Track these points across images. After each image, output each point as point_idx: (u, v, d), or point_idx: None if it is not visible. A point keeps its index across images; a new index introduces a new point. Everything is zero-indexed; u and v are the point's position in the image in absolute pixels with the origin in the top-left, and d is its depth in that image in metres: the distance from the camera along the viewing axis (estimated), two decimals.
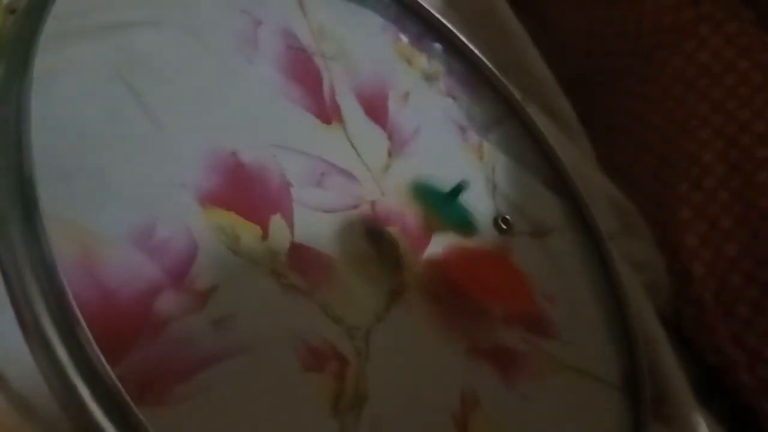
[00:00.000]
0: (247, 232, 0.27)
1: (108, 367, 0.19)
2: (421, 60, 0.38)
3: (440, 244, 0.32)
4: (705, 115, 0.46)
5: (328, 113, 0.32)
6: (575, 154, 0.44)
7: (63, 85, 0.25)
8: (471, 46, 0.40)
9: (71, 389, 0.19)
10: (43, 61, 0.24)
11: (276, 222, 0.28)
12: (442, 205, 0.32)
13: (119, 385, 0.19)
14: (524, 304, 0.34)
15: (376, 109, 0.34)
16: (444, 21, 0.39)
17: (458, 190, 0.32)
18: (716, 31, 0.46)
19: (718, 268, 0.44)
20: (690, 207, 0.45)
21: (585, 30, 0.51)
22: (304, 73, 0.32)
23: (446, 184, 0.32)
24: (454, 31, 0.39)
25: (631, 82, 0.50)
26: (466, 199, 0.33)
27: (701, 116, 0.46)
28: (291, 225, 0.28)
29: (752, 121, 0.45)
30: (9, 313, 0.20)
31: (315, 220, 0.29)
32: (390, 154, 0.33)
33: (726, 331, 0.43)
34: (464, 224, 0.33)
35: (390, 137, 0.34)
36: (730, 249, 0.44)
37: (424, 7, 0.39)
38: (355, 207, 0.31)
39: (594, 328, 0.37)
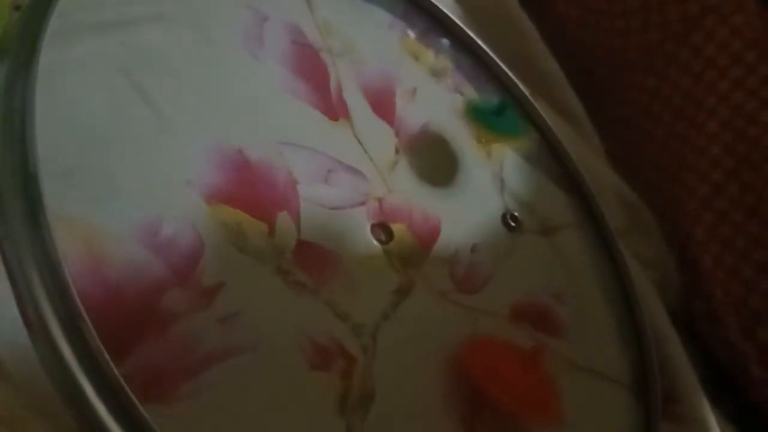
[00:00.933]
0: (254, 230, 0.27)
1: (113, 365, 0.19)
2: (429, 56, 0.38)
3: (448, 245, 0.32)
4: (712, 107, 0.46)
5: (334, 110, 0.32)
6: (584, 150, 0.44)
7: (68, 82, 0.24)
8: (479, 42, 0.40)
9: (75, 387, 0.19)
10: (47, 58, 0.23)
11: (282, 219, 0.27)
12: (493, 120, 0.38)
13: (124, 383, 0.19)
14: (553, 419, 0.31)
15: (383, 105, 0.34)
16: (452, 16, 0.39)
17: (504, 106, 0.38)
18: (722, 24, 0.46)
19: (727, 261, 0.43)
20: (698, 200, 0.45)
21: (591, 25, 0.50)
22: (311, 70, 0.32)
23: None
24: (462, 26, 0.39)
25: (638, 76, 0.49)
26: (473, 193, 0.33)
27: (709, 109, 0.46)
28: (297, 222, 0.28)
29: (760, 113, 0.44)
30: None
31: (322, 217, 0.29)
32: (397, 151, 0.33)
33: (736, 325, 0.42)
34: (513, 133, 0.38)
35: (397, 133, 0.34)
36: (739, 242, 0.43)
37: (431, 2, 0.38)
38: (363, 204, 0.30)
39: (603, 327, 0.37)
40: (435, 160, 0.34)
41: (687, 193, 0.45)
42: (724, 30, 0.46)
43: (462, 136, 0.37)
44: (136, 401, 0.19)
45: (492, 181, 0.36)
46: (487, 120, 0.38)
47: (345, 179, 0.30)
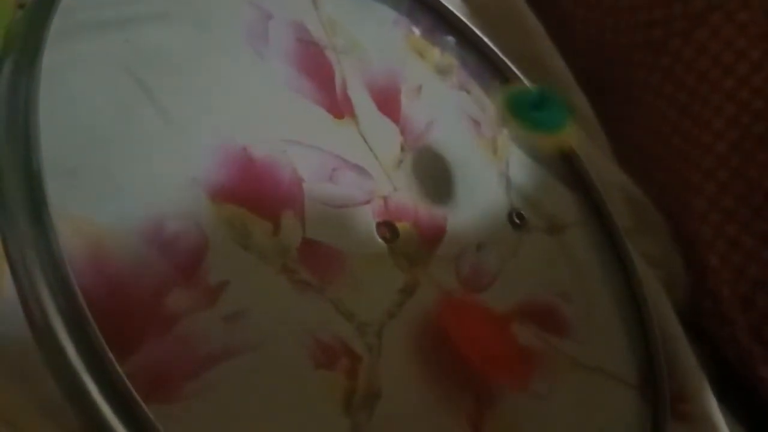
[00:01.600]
0: (258, 228, 0.26)
1: (116, 364, 0.19)
2: (434, 53, 0.38)
3: (453, 244, 0.32)
4: (718, 105, 0.45)
5: (339, 108, 0.32)
6: (590, 148, 0.44)
7: (71, 80, 0.24)
8: (485, 39, 0.39)
9: (79, 386, 0.19)
10: (51, 56, 0.23)
11: (287, 217, 0.27)
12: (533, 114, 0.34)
13: (128, 382, 0.19)
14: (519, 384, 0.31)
15: (388, 103, 0.34)
16: (457, 13, 0.39)
17: (544, 96, 0.34)
18: (728, 21, 0.46)
19: (734, 260, 0.43)
20: (704, 198, 0.44)
21: (596, 22, 0.50)
22: (316, 67, 0.32)
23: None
24: (468, 23, 0.39)
25: (643, 74, 0.49)
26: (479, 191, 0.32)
27: (714, 107, 0.45)
28: (302, 220, 0.28)
29: (765, 111, 0.44)
30: None
31: (327, 215, 0.29)
32: (403, 149, 0.33)
33: (744, 324, 0.42)
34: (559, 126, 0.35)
35: (403, 131, 0.34)
36: (746, 240, 0.43)
37: None
38: (368, 202, 0.30)
39: (610, 326, 0.36)
40: (435, 180, 0.33)
41: (693, 192, 0.45)
42: (729, 27, 0.46)
43: (465, 136, 0.36)
44: (140, 400, 0.19)
45: (498, 179, 0.36)
46: (526, 115, 0.34)
47: (350, 177, 0.30)
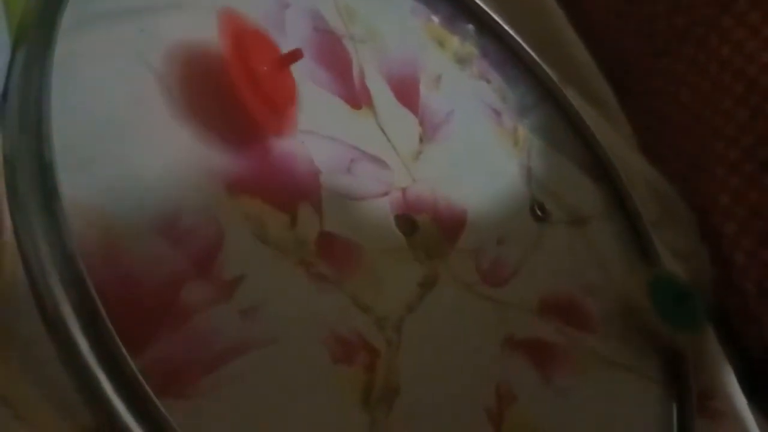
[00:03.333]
0: (275, 220, 0.26)
1: (129, 359, 0.19)
2: (454, 42, 0.37)
3: (474, 236, 0.31)
4: (741, 95, 0.44)
5: (357, 98, 0.31)
6: (615, 138, 0.43)
7: (85, 70, 0.24)
8: (505, 27, 0.39)
9: (92, 381, 0.18)
10: (64, 46, 0.23)
11: (305, 210, 0.27)
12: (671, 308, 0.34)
13: (140, 376, 0.19)
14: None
15: (406, 93, 0.33)
16: (477, 0, 0.38)
17: (687, 296, 0.35)
18: (754, 7, 0.45)
19: (760, 257, 0.42)
20: (728, 193, 0.43)
21: (619, 12, 0.49)
22: (333, 57, 0.32)
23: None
24: (488, 11, 0.38)
25: (666, 63, 0.48)
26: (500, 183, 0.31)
27: (737, 97, 0.44)
28: (320, 213, 0.27)
29: None
30: None
31: (344, 207, 0.28)
32: (421, 140, 0.32)
33: None
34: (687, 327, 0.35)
35: (421, 122, 0.33)
36: None
37: None
38: (386, 194, 0.30)
39: (636, 321, 0.36)
40: None
41: (717, 186, 0.44)
42: (754, 14, 0.45)
43: (485, 127, 0.36)
44: (153, 395, 0.19)
45: (519, 171, 0.36)
46: (664, 306, 0.34)
47: (368, 169, 0.30)
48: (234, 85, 0.25)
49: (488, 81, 0.37)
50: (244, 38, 0.25)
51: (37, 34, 0.23)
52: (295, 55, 0.26)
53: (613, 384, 0.32)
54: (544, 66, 0.39)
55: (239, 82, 0.25)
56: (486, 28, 0.38)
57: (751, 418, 0.36)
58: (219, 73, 0.25)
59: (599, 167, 0.39)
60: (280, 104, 0.26)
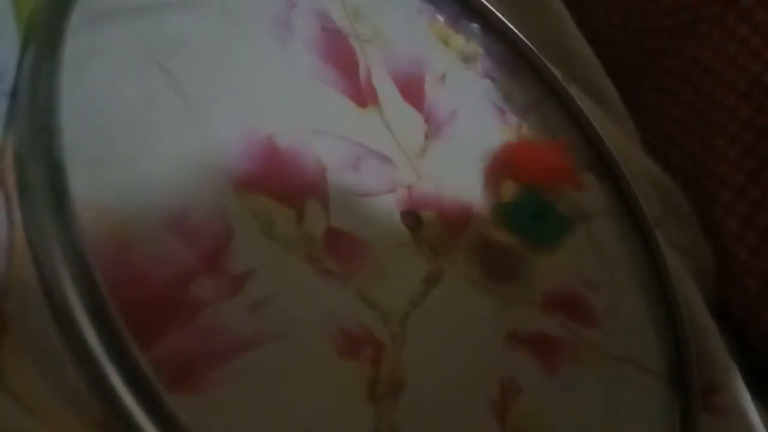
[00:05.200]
0: (283, 217, 0.26)
1: (139, 354, 0.19)
2: (458, 41, 0.37)
3: (478, 233, 0.31)
4: (745, 92, 0.44)
5: (364, 96, 0.31)
6: (618, 136, 0.43)
7: (95, 69, 0.24)
8: (509, 26, 0.39)
9: (101, 376, 0.19)
10: (74, 45, 0.23)
11: (311, 206, 0.27)
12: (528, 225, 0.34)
13: (149, 371, 0.19)
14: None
15: (412, 91, 0.34)
16: (482, 0, 0.38)
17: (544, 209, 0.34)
18: (759, 4, 0.45)
19: (762, 252, 0.42)
20: (731, 189, 0.43)
21: (621, 8, 0.49)
22: (340, 56, 0.32)
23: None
24: (492, 10, 0.38)
25: (669, 60, 0.48)
26: None
27: (741, 93, 0.44)
28: (326, 209, 0.27)
29: None
30: None
31: (351, 204, 0.28)
32: (427, 137, 0.33)
33: None
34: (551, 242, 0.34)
35: (427, 120, 0.33)
36: None
37: None
38: (392, 191, 0.30)
39: (638, 317, 0.36)
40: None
41: (719, 184, 0.44)
42: (760, 11, 0.45)
43: (490, 124, 0.36)
44: (163, 390, 0.19)
45: None
46: (520, 225, 0.33)
47: (374, 166, 0.30)
48: None
49: (493, 79, 0.38)
50: None
51: (47, 31, 0.23)
52: None
53: (617, 378, 0.33)
54: (548, 64, 0.39)
55: None
56: (490, 26, 0.39)
57: (755, 412, 0.36)
58: None
59: (603, 163, 0.39)
60: None
